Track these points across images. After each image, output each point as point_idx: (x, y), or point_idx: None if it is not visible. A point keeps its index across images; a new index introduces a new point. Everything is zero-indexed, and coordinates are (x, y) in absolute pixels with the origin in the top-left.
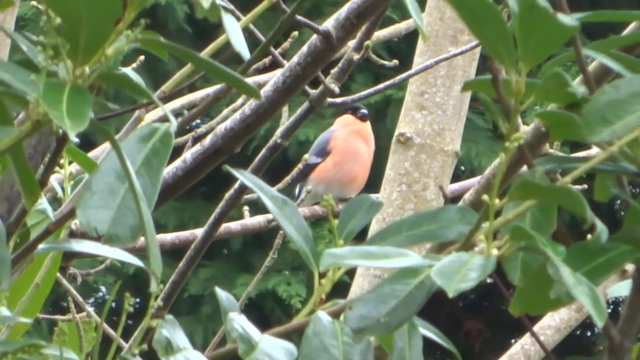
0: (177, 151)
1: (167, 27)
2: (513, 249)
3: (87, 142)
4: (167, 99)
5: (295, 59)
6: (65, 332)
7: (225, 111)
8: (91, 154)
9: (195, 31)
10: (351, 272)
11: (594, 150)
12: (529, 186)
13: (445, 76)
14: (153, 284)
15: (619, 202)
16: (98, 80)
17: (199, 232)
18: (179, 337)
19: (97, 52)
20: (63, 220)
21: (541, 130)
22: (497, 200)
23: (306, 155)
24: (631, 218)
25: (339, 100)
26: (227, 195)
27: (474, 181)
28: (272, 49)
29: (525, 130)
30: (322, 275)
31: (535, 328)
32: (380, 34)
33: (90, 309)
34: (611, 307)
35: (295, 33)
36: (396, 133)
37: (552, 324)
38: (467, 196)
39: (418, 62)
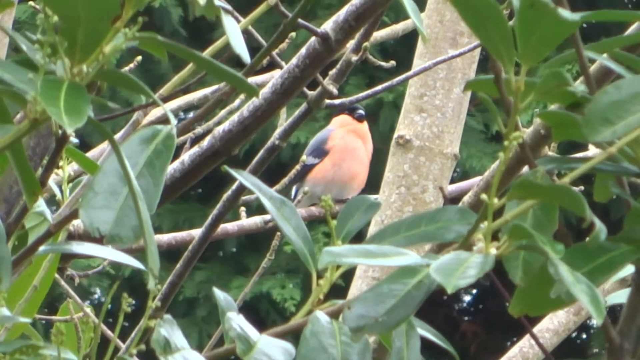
0: (175, 153)
1: (162, 30)
2: (512, 248)
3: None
4: (164, 99)
5: (293, 60)
6: (63, 332)
7: (222, 112)
8: (89, 155)
9: (190, 34)
10: (347, 276)
11: (591, 152)
12: (529, 185)
13: (445, 79)
14: (151, 282)
15: (613, 205)
16: (96, 78)
17: (195, 232)
18: (177, 337)
19: (95, 50)
20: (64, 222)
21: (540, 132)
22: (495, 200)
23: (304, 157)
24: (631, 219)
25: (336, 101)
26: (225, 196)
27: (472, 183)
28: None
29: (524, 131)
30: (319, 277)
31: (534, 331)
32: (378, 34)
33: (88, 310)
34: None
35: (293, 34)
36: (395, 135)
37: (551, 327)
38: (466, 198)
39: (417, 64)
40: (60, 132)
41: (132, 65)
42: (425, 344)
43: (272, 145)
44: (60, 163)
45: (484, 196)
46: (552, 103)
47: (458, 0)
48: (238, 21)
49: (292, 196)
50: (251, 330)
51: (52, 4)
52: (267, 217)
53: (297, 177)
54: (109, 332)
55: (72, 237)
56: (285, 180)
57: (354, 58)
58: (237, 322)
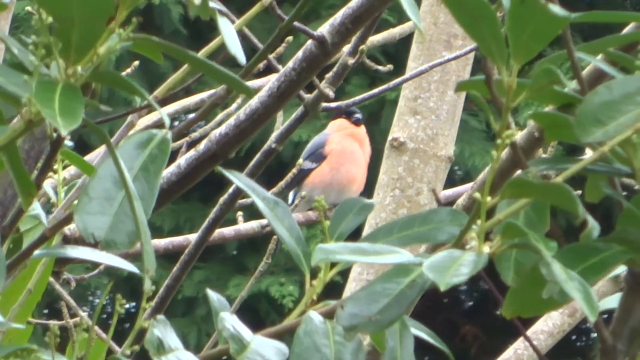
0: (171, 156)
1: (162, 29)
2: (505, 247)
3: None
4: (160, 103)
5: (290, 64)
6: (57, 335)
7: (219, 116)
8: (86, 159)
9: (190, 33)
10: (344, 274)
11: (588, 156)
12: (521, 184)
13: (439, 81)
14: (147, 283)
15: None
16: (90, 79)
17: (192, 237)
18: (171, 338)
19: (89, 51)
20: (59, 226)
21: (534, 135)
22: (489, 198)
23: (300, 160)
24: (624, 219)
25: (333, 104)
26: (221, 200)
27: (468, 187)
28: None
29: (517, 131)
30: (313, 278)
31: (529, 333)
32: (375, 39)
33: (84, 314)
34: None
35: (290, 38)
36: (389, 138)
37: (545, 329)
38: (460, 201)
39: (412, 66)
40: (54, 135)
41: (129, 70)
42: (425, 347)
43: (268, 148)
44: (55, 166)
45: (477, 194)
46: (544, 103)
47: (451, 0)
48: (233, 23)
49: (290, 201)
50: (245, 331)
51: (47, 5)
52: (264, 221)
53: (294, 182)
54: (104, 335)
55: (68, 240)
56: (281, 183)
57: (351, 61)
58: (230, 322)
